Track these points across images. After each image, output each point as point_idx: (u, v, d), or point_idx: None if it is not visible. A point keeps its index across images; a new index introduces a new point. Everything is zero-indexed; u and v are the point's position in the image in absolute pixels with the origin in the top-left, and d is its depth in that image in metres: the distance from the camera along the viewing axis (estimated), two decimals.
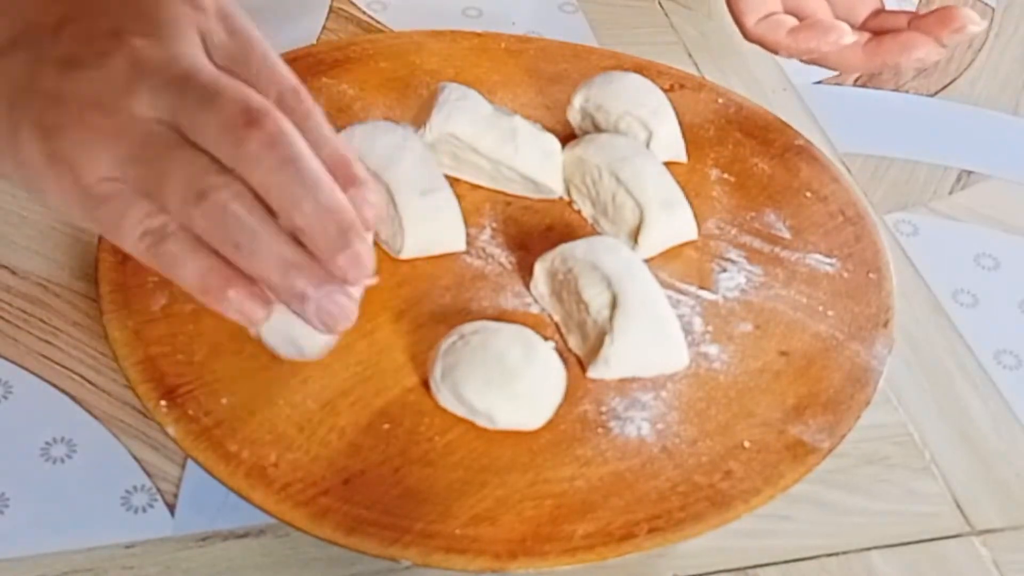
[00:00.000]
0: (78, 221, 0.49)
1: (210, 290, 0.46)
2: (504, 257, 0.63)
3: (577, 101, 0.70)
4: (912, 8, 0.79)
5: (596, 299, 0.57)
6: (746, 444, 0.55)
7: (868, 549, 0.58)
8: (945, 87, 0.87)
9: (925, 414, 0.65)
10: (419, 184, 0.62)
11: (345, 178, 0.46)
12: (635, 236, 0.63)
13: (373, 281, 0.46)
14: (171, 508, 0.56)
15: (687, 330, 0.60)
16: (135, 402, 0.58)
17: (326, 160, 0.46)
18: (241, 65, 0.47)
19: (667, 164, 0.66)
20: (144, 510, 0.56)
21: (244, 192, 0.45)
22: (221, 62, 0.47)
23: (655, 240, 0.63)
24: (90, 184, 0.46)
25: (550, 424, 0.55)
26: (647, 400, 0.57)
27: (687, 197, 0.65)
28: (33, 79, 0.47)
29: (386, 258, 0.62)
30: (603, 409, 0.56)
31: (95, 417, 0.59)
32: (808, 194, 0.69)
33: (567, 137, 0.68)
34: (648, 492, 0.53)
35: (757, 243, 0.66)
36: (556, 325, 0.60)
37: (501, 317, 0.59)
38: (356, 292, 0.46)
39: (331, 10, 0.87)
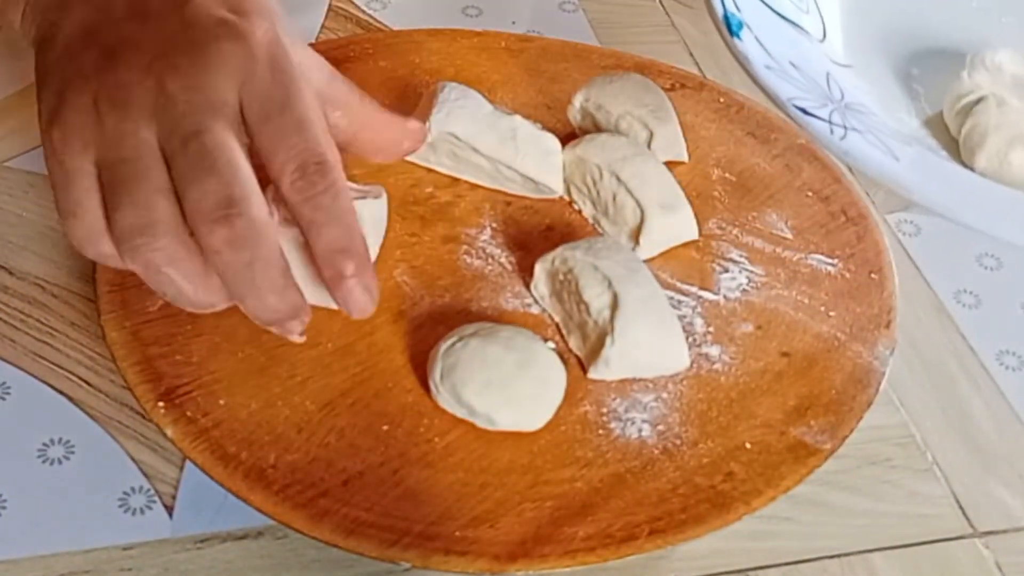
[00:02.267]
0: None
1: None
2: (504, 257, 0.63)
3: (577, 100, 0.70)
4: None
5: (597, 300, 0.57)
6: (747, 445, 0.55)
7: (870, 551, 0.58)
8: None
9: (927, 415, 0.65)
10: None
11: (334, 274, 0.49)
12: (636, 236, 0.63)
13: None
14: (169, 510, 0.56)
15: (688, 331, 0.60)
16: (133, 403, 0.58)
17: (323, 247, 0.49)
18: (272, 121, 0.48)
19: (668, 164, 0.66)
20: (142, 512, 0.56)
21: (178, 259, 0.48)
22: (250, 110, 0.48)
23: (656, 240, 0.63)
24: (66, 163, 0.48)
25: (550, 425, 0.55)
26: (648, 401, 0.57)
27: (688, 197, 0.64)
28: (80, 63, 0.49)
29: (385, 258, 0.62)
30: (603, 410, 0.56)
31: (93, 418, 0.59)
32: (810, 194, 0.69)
33: (567, 137, 0.68)
34: (649, 494, 0.53)
35: (759, 243, 0.65)
36: (556, 326, 0.60)
37: (501, 318, 0.59)
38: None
39: (330, 8, 0.87)
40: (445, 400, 0.55)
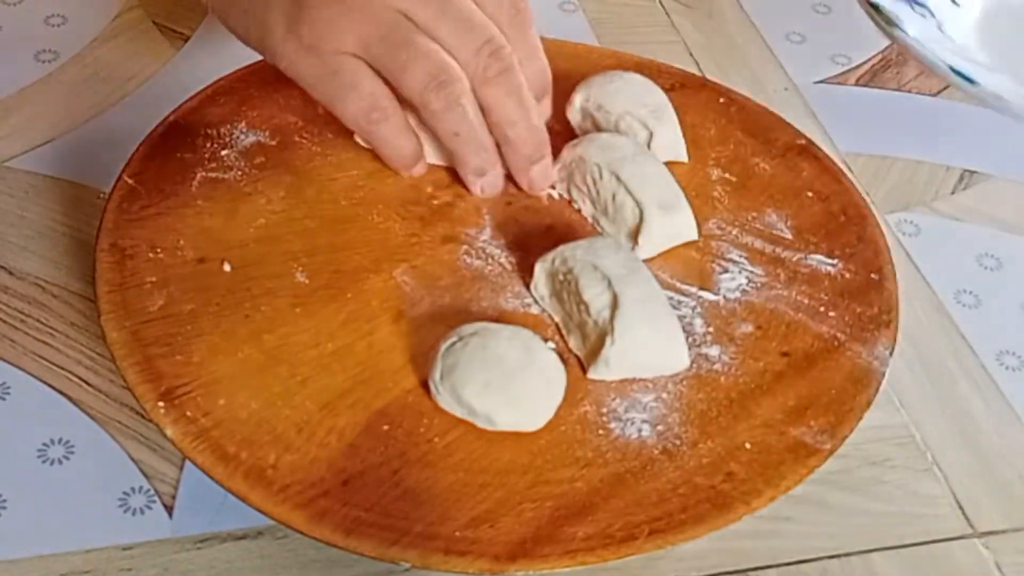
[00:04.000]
0: (303, 84, 0.60)
1: (408, 163, 0.64)
2: (504, 257, 0.63)
3: (577, 100, 0.69)
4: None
5: (596, 300, 0.57)
6: (747, 445, 0.55)
7: (870, 551, 0.58)
8: (948, 86, 0.87)
9: (927, 415, 0.65)
10: None
11: (540, 91, 0.64)
12: (635, 236, 0.63)
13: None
14: (169, 510, 0.56)
15: (688, 331, 0.60)
16: (133, 403, 0.58)
17: (529, 77, 0.62)
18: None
19: (668, 164, 0.66)
20: (142, 512, 0.56)
21: (469, 91, 0.59)
22: None
23: (656, 240, 0.63)
24: (327, 54, 0.57)
25: (550, 425, 0.55)
26: (648, 401, 0.57)
27: (688, 197, 0.64)
28: None
29: (384, 258, 0.62)
30: (603, 410, 0.56)
31: (93, 419, 0.59)
32: (810, 194, 0.69)
33: (567, 137, 0.68)
34: (649, 494, 0.53)
35: (758, 243, 0.65)
36: (556, 326, 0.60)
37: (501, 318, 0.59)
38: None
39: None
40: (445, 400, 0.55)
